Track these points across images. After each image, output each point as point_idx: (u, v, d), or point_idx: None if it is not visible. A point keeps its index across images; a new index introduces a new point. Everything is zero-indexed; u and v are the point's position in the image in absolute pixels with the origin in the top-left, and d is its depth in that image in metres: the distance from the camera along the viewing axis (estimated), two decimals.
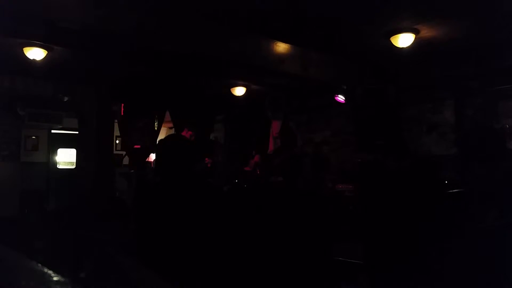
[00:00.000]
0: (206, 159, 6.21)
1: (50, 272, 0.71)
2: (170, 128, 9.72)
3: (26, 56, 5.40)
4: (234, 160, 8.47)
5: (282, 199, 3.32)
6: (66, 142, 9.75)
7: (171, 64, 6.18)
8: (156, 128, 8.43)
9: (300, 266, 3.01)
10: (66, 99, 7.51)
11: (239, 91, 7.55)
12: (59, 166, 9.94)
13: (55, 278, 0.70)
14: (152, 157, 9.35)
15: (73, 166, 9.37)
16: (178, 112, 8.43)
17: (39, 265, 0.75)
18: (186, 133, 6.27)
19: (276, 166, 5.21)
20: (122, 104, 8.00)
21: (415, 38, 5.24)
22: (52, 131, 9.61)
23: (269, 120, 5.60)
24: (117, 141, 9.60)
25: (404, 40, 5.26)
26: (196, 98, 8.24)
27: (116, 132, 8.39)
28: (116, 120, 8.13)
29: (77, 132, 8.23)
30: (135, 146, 8.08)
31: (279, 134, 5.35)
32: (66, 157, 9.98)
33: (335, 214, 5.14)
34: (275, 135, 5.44)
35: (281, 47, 5.72)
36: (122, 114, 8.05)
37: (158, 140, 6.07)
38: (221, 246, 2.34)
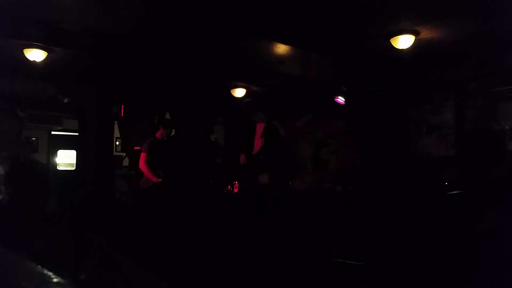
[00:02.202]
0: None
1: (50, 273, 0.71)
2: None
3: (26, 58, 5.41)
4: (234, 162, 8.47)
5: (281, 200, 3.33)
6: (66, 143, 9.76)
7: (171, 66, 6.18)
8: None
9: (299, 267, 3.01)
10: (66, 100, 7.51)
11: (239, 92, 7.56)
12: (59, 168, 9.94)
13: (55, 280, 0.70)
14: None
15: (73, 168, 9.37)
16: (178, 113, 8.42)
17: (39, 266, 0.74)
18: (160, 133, 6.28)
19: (262, 162, 5.19)
20: (122, 106, 8.00)
21: (415, 39, 5.24)
22: (52, 132, 9.61)
23: (254, 122, 5.60)
24: (117, 143, 9.60)
25: (404, 41, 5.27)
26: (195, 99, 8.23)
27: (116, 133, 8.39)
28: (116, 122, 8.13)
29: (77, 134, 8.22)
30: (135, 148, 8.07)
31: (263, 134, 5.35)
32: (66, 159, 9.99)
33: (335, 215, 5.14)
34: (259, 136, 5.43)
35: (281, 48, 5.72)
36: (122, 115, 8.05)
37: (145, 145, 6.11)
38: (220, 247, 2.34)
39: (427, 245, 2.62)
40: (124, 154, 8.98)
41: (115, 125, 8.18)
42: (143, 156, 5.99)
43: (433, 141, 6.56)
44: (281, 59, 5.74)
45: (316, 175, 7.95)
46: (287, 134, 5.33)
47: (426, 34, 5.23)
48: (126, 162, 8.83)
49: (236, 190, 5.68)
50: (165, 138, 6.26)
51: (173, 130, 6.44)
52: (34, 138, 9.29)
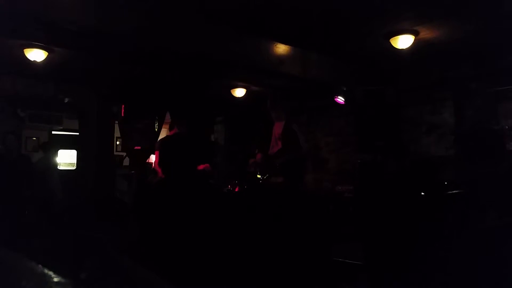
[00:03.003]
0: (207, 165, 6.02)
1: (50, 272, 0.72)
2: None
3: (26, 58, 5.42)
4: (235, 162, 8.48)
5: (283, 200, 3.33)
6: (67, 143, 9.76)
7: (172, 65, 6.19)
8: (156, 130, 8.44)
9: (300, 266, 3.02)
10: (66, 100, 7.53)
11: (239, 92, 7.57)
12: (60, 167, 9.94)
13: (55, 279, 0.70)
14: (152, 158, 9.33)
15: (74, 167, 9.38)
16: (178, 113, 8.43)
17: (40, 265, 0.75)
18: (174, 132, 6.22)
19: (278, 167, 5.15)
20: (123, 105, 8.01)
21: (415, 39, 5.25)
22: (53, 132, 9.63)
23: (271, 120, 5.55)
24: (118, 142, 9.62)
25: (404, 41, 5.27)
26: (196, 99, 8.25)
27: (117, 133, 8.40)
28: (116, 121, 8.14)
29: (77, 133, 8.24)
30: (136, 147, 8.09)
31: (281, 135, 5.29)
32: (66, 158, 9.99)
33: (335, 215, 5.14)
34: (277, 136, 5.37)
35: (281, 48, 5.73)
36: (122, 115, 8.07)
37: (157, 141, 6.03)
38: (220, 246, 2.35)
39: (427, 244, 2.63)
40: (124, 153, 8.99)
41: (115, 125, 8.19)
42: (156, 154, 5.88)
43: (432, 140, 6.57)
44: (281, 59, 5.75)
45: (316, 175, 7.95)
46: (307, 145, 5.24)
47: (425, 34, 5.24)
48: (126, 161, 8.85)
49: (258, 159, 5.63)
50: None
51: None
52: (34, 138, 9.30)
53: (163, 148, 5.71)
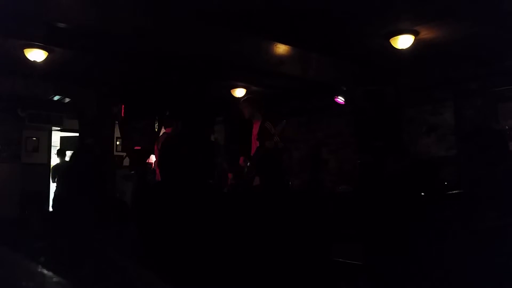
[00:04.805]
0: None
1: (50, 273, 0.72)
2: None
3: (26, 58, 5.42)
4: (235, 162, 8.47)
5: (268, 198, 3.33)
6: (67, 143, 9.76)
7: (171, 66, 6.19)
8: (156, 130, 8.44)
9: (299, 267, 3.01)
10: (67, 100, 7.53)
11: (239, 92, 7.58)
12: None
13: (55, 280, 0.70)
14: (153, 158, 9.33)
15: None
16: (179, 113, 8.42)
17: (39, 266, 0.75)
18: (171, 131, 6.20)
19: (255, 165, 5.16)
20: (123, 106, 8.01)
21: (415, 39, 5.25)
22: (53, 132, 9.62)
23: (251, 121, 5.55)
24: (118, 143, 9.62)
25: (403, 41, 5.27)
26: (196, 99, 8.25)
27: (117, 133, 8.40)
28: (116, 121, 8.15)
29: (77, 134, 8.25)
30: (136, 148, 8.09)
31: (257, 135, 5.31)
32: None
33: (335, 215, 5.13)
34: (255, 137, 5.38)
35: (281, 48, 5.73)
36: (122, 115, 8.07)
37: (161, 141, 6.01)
38: (221, 247, 2.35)
39: (427, 244, 2.63)
40: (124, 154, 8.99)
41: (115, 125, 8.20)
42: (156, 153, 5.87)
43: (432, 141, 6.57)
44: (281, 59, 5.75)
45: (315, 175, 7.96)
46: (276, 140, 5.21)
47: (425, 34, 5.24)
48: (126, 162, 8.85)
49: (241, 162, 5.65)
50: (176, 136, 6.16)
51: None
52: (34, 138, 9.30)
53: (161, 147, 5.70)
